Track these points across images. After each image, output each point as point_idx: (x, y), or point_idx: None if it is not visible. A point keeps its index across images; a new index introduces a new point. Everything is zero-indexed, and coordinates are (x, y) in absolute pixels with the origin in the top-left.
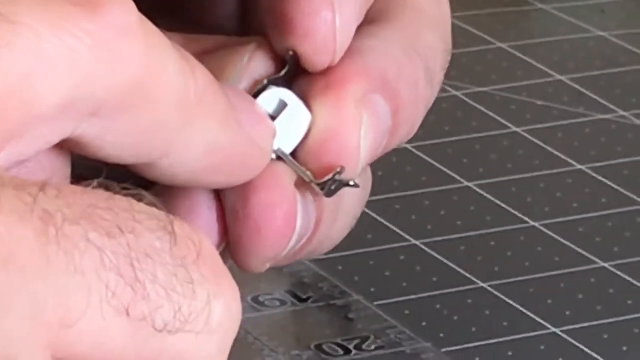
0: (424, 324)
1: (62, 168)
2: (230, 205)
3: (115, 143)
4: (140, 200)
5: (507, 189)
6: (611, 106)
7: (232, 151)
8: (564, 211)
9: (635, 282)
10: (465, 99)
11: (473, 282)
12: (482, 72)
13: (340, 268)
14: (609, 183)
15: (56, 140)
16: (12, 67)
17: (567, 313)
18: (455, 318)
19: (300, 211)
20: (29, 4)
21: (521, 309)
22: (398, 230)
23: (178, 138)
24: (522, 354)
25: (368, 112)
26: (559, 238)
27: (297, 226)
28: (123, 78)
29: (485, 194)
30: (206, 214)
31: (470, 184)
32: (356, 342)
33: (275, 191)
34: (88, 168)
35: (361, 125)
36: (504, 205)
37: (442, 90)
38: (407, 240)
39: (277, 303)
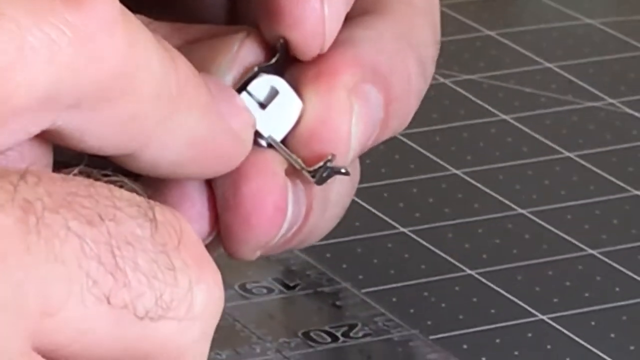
0: (411, 311)
1: (43, 158)
2: (220, 194)
3: (96, 134)
4: (121, 186)
5: (495, 177)
6: (599, 94)
7: (212, 142)
8: (552, 198)
9: (622, 270)
10: (454, 86)
11: (461, 270)
12: (470, 59)
13: (328, 255)
14: (597, 170)
15: (36, 131)
16: None
17: (555, 300)
18: (443, 305)
19: (290, 199)
20: None
21: (509, 296)
22: (386, 218)
23: (159, 130)
24: (509, 341)
25: (359, 101)
26: (546, 225)
27: (287, 214)
28: (104, 70)
29: (473, 182)
30: (197, 202)
31: (458, 172)
32: (344, 329)
33: (266, 179)
34: (69, 155)
35: (352, 113)
36: (491, 193)
37: None
38: (395, 227)
39: (265, 291)
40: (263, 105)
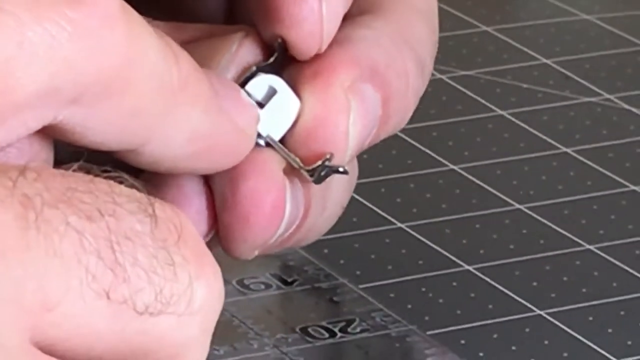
0: (409, 306)
1: (43, 154)
2: (219, 192)
3: (97, 130)
4: (120, 182)
5: (492, 172)
6: (596, 89)
7: (215, 137)
8: (549, 194)
9: (620, 265)
10: (451, 82)
11: (458, 265)
12: (467, 55)
13: (325, 251)
14: (594, 166)
15: (37, 126)
16: None
17: (552, 295)
18: (441, 301)
19: (289, 198)
20: None
21: (506, 291)
22: (383, 213)
23: (161, 124)
24: (507, 336)
25: (357, 100)
26: (544, 220)
27: (285, 213)
28: (105, 65)
29: (470, 177)
30: (195, 201)
31: (455, 167)
32: (341, 325)
33: (264, 178)
34: (69, 152)
35: (349, 112)
36: (489, 188)
37: None
38: (392, 223)
39: (262, 286)
40: (261, 105)
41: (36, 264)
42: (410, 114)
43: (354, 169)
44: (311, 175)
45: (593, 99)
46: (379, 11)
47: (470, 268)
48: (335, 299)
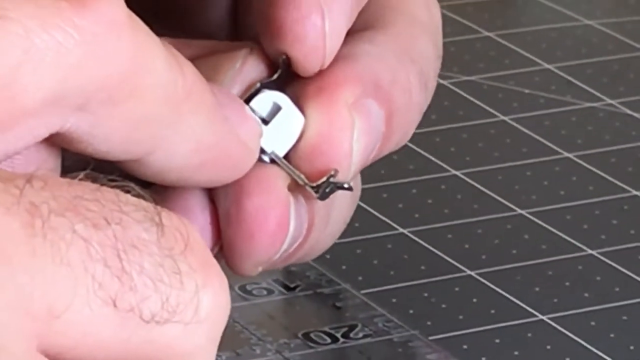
0: (411, 312)
1: (51, 162)
2: (223, 209)
3: (103, 138)
4: (127, 191)
5: (494, 177)
6: (598, 94)
7: (219, 149)
8: (551, 199)
9: (622, 270)
10: (453, 87)
11: (460, 270)
12: (469, 60)
13: (327, 256)
14: (596, 171)
15: (44, 134)
16: (0, 60)
17: (555, 300)
18: (443, 306)
19: (293, 215)
20: None
21: (508, 296)
22: (385, 219)
23: (166, 134)
24: (509, 341)
25: (360, 116)
26: (546, 226)
27: (290, 230)
28: (111, 73)
29: (472, 182)
30: (200, 217)
31: (457, 173)
32: (344, 330)
33: (269, 194)
34: (75, 160)
35: (353, 128)
36: (491, 194)
37: None
38: (394, 228)
39: (265, 292)
40: (265, 121)
41: (43, 271)
42: (414, 129)
43: (357, 184)
44: (316, 192)
45: (595, 104)
46: (382, 26)
47: (472, 273)
48: (337, 304)
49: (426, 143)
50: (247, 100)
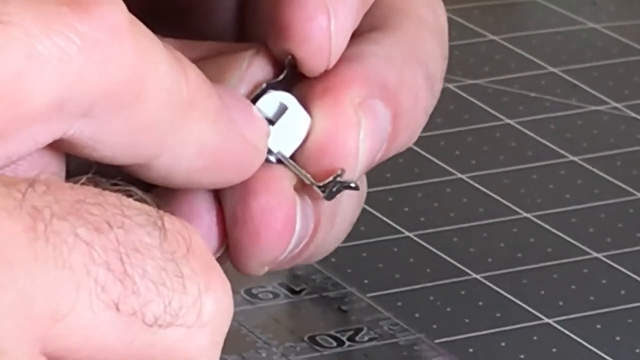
0: (417, 315)
1: (54, 166)
2: (229, 209)
3: (108, 143)
4: (130, 195)
5: (499, 181)
6: (603, 98)
7: (226, 151)
8: (557, 202)
9: (628, 273)
10: (458, 91)
11: (466, 274)
12: (474, 64)
13: (333, 260)
14: (602, 174)
15: (48, 140)
16: (2, 66)
17: (560, 303)
18: (448, 309)
19: (299, 215)
20: (20, 4)
21: (514, 299)
22: (391, 222)
23: (171, 138)
24: (515, 344)
25: (366, 116)
26: (551, 229)
27: (296, 230)
28: (114, 78)
29: (478, 186)
30: (206, 217)
31: (463, 176)
32: (349, 333)
33: (275, 194)
34: (78, 164)
35: (359, 128)
36: (496, 197)
37: None
38: (400, 232)
39: (270, 295)
40: (272, 122)
41: (45, 275)
42: (420, 130)
43: (362, 185)
44: (322, 191)
45: (600, 108)
46: (388, 28)
47: (478, 276)
48: (343, 307)
49: (431, 146)
50: (254, 101)
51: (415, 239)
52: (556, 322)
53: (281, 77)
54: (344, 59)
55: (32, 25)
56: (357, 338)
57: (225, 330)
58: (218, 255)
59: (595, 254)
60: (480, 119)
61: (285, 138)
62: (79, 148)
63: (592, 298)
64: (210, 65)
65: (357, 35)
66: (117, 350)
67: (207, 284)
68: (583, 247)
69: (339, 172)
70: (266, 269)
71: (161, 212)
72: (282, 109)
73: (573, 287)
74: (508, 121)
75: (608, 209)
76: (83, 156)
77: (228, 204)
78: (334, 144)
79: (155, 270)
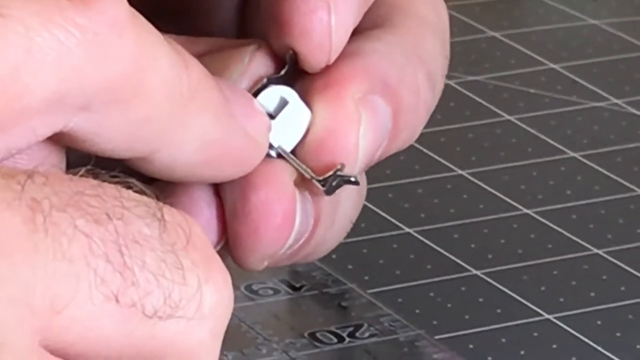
0: (417, 311)
1: (55, 161)
2: (229, 203)
3: (107, 137)
4: (129, 188)
5: (500, 177)
6: (604, 94)
7: (227, 145)
8: (557, 199)
9: (628, 269)
10: (458, 87)
11: (466, 270)
12: (475, 60)
13: (333, 256)
14: (602, 170)
15: (47, 133)
16: (1, 60)
17: (561, 300)
18: (449, 305)
19: (299, 209)
20: None
21: (514, 296)
22: (391, 219)
23: (172, 132)
24: (515, 340)
25: (367, 112)
26: (552, 225)
27: (295, 224)
28: (113, 72)
29: (478, 182)
30: (206, 211)
31: (463, 172)
32: (350, 329)
33: (275, 189)
34: (77, 156)
35: (360, 123)
36: (497, 193)
37: None
38: (400, 228)
39: (271, 292)
40: (272, 116)
41: (44, 266)
42: (421, 128)
43: (362, 183)
44: (323, 185)
45: (601, 104)
46: (390, 25)
47: (478, 273)
48: (343, 304)
49: (432, 143)
50: (254, 95)
51: (416, 235)
52: (556, 318)
53: (282, 72)
54: (345, 55)
55: (31, 19)
56: (357, 334)
57: (226, 322)
58: (217, 249)
59: (595, 250)
60: (481, 116)
61: (286, 132)
62: (79, 141)
63: (592, 294)
64: (212, 60)
65: (359, 32)
66: (116, 342)
67: (207, 275)
68: (583, 243)
69: (339, 167)
70: (266, 263)
71: (160, 203)
72: (283, 104)
73: (573, 283)
74: (508, 117)
75: (608, 205)
76: (83, 149)
77: (228, 197)
78: (334, 139)
79: (154, 262)
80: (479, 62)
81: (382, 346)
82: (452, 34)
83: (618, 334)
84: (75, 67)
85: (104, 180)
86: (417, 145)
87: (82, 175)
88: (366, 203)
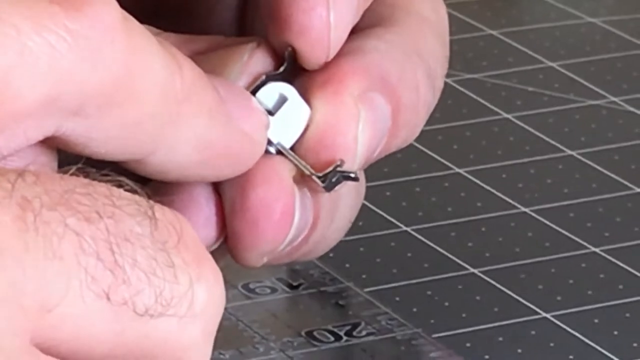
0: (414, 310)
1: (46, 161)
2: (228, 199)
3: (100, 141)
4: (120, 186)
5: (497, 175)
6: (601, 92)
7: (223, 145)
8: (555, 197)
9: (625, 267)
10: (456, 85)
11: (464, 268)
12: (472, 58)
13: (331, 255)
14: (600, 168)
15: (38, 137)
16: None
17: (558, 298)
18: (446, 304)
19: (298, 206)
20: (11, 2)
21: (512, 294)
22: (389, 217)
23: (166, 134)
24: (513, 339)
25: (366, 109)
26: (549, 223)
27: (294, 220)
28: (105, 76)
29: (475, 180)
30: (205, 207)
31: (460, 170)
32: (347, 328)
33: (274, 185)
34: (69, 154)
35: (358, 120)
36: (494, 191)
37: None
38: (397, 226)
39: (268, 290)
40: (271, 113)
41: (35, 265)
42: (421, 127)
43: (361, 182)
44: (322, 181)
45: (598, 102)
46: (391, 24)
47: (475, 271)
48: (340, 302)
49: (430, 141)
50: (253, 93)
51: (413, 233)
52: (554, 316)
53: (281, 69)
54: (344, 52)
55: (23, 23)
56: (354, 333)
57: (218, 320)
58: (217, 245)
59: (593, 249)
60: (478, 114)
61: (285, 129)
62: (71, 145)
63: (590, 292)
64: (210, 58)
65: (358, 30)
66: (108, 341)
67: (198, 274)
68: (581, 241)
69: (338, 163)
70: (265, 260)
71: (151, 202)
72: (282, 100)
73: (571, 281)
74: (506, 115)
75: (606, 203)
76: (75, 152)
77: (227, 194)
78: (333, 135)
79: (145, 260)
80: (477, 60)
81: (379, 345)
82: (450, 32)
83: (615, 333)
84: (67, 72)
85: (94, 179)
86: (414, 144)
87: (72, 174)
88: (363, 201)
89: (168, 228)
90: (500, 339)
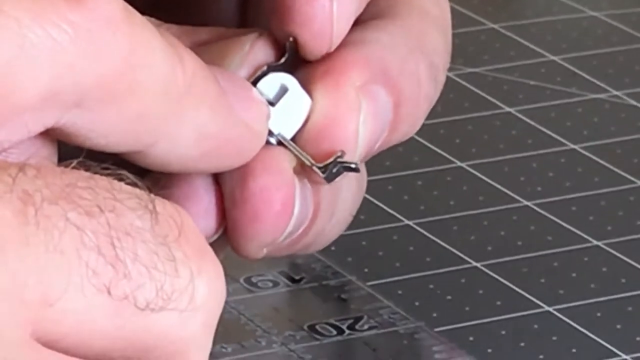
0: (417, 303)
1: (47, 155)
2: (228, 190)
3: (101, 133)
4: (121, 180)
5: (499, 169)
6: (604, 86)
7: (224, 136)
8: (557, 190)
9: (628, 260)
10: (458, 79)
11: (466, 262)
12: (474, 52)
13: (333, 248)
14: (602, 162)
15: (39, 129)
16: None
17: (561, 292)
18: (449, 298)
19: (298, 197)
20: None
21: (514, 288)
22: (391, 211)
23: (167, 126)
24: (515, 332)
25: (367, 100)
26: (552, 217)
27: (294, 211)
28: (106, 69)
29: (478, 174)
30: (205, 198)
31: (462, 164)
32: (349, 322)
33: (274, 175)
34: (69, 148)
35: (360, 111)
36: (496, 185)
37: None
38: (399, 220)
39: (270, 284)
40: (272, 103)
41: (36, 259)
42: (422, 121)
43: (362, 176)
44: (323, 172)
45: (601, 96)
46: (393, 16)
47: (478, 265)
48: (343, 296)
49: (431, 135)
50: (254, 83)
51: (415, 227)
52: (556, 310)
53: (282, 60)
54: (346, 43)
55: (24, 15)
56: (357, 327)
57: (218, 314)
58: (217, 236)
59: (595, 242)
60: (480, 107)
61: (286, 120)
62: (72, 137)
63: (592, 286)
64: (212, 49)
65: (361, 22)
66: (108, 335)
67: (199, 267)
68: (583, 235)
69: (339, 154)
70: (265, 251)
71: (152, 195)
72: (283, 91)
73: (573, 275)
74: (508, 109)
75: (608, 197)
76: (76, 144)
77: (227, 184)
78: (334, 126)
79: (146, 254)
80: (479, 54)
81: (381, 338)
82: (452, 26)
83: (618, 326)
84: (68, 64)
85: (95, 173)
86: (416, 137)
87: (73, 168)
88: (365, 195)
89: (169, 222)
90: (503, 332)
